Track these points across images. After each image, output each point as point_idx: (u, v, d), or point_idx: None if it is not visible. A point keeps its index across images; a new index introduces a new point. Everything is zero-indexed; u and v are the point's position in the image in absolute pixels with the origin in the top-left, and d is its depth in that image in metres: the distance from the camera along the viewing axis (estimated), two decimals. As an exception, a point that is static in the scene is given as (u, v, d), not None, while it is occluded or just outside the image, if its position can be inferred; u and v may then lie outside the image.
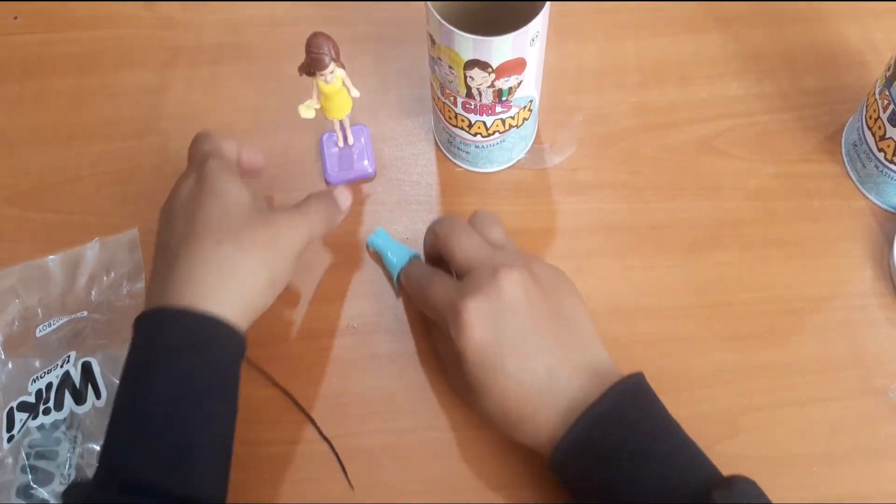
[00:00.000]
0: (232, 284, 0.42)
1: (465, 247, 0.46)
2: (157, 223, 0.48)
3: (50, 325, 0.53)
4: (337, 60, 0.49)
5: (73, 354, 0.50)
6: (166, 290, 0.42)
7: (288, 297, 0.55)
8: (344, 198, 0.51)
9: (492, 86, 0.49)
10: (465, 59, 0.48)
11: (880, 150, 0.54)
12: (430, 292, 0.46)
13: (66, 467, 0.48)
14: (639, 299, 0.54)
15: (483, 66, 0.48)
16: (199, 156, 0.48)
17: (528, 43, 0.47)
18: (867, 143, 0.55)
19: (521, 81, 0.50)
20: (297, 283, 0.55)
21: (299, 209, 0.48)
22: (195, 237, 0.43)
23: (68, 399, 0.49)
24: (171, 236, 0.45)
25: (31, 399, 0.49)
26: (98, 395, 0.50)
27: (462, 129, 0.54)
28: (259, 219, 0.45)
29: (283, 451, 0.50)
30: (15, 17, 0.66)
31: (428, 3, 0.47)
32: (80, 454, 0.48)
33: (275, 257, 0.45)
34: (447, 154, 0.59)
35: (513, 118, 0.53)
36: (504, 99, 0.51)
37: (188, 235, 0.44)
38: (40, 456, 0.48)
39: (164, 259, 0.45)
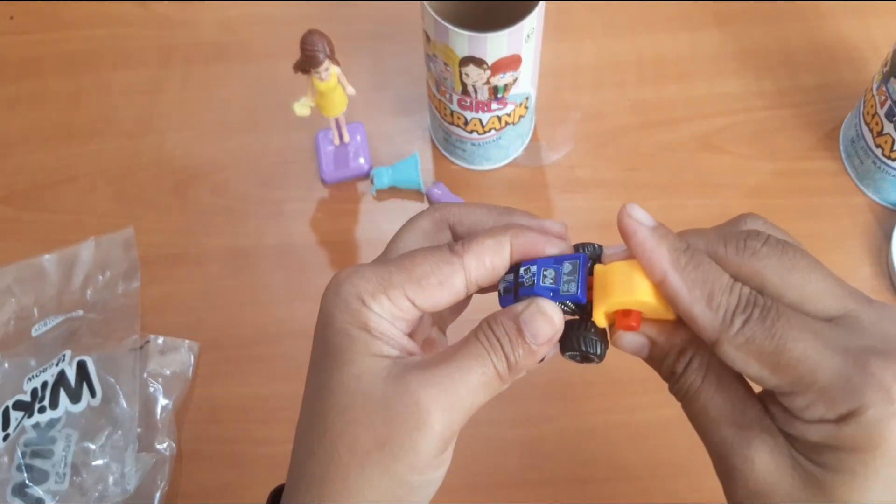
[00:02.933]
0: None
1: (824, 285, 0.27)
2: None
3: (45, 325, 0.53)
4: (332, 58, 0.49)
5: (68, 353, 0.50)
6: (289, 473, 0.31)
7: (283, 295, 0.55)
8: (534, 319, 0.28)
9: (487, 83, 0.49)
10: (461, 56, 0.47)
11: (878, 146, 0.54)
12: (792, 344, 0.25)
13: (62, 466, 0.47)
14: (636, 297, 0.53)
15: (478, 62, 0.48)
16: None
17: (523, 39, 0.47)
18: (865, 140, 0.55)
19: (516, 78, 0.50)
20: (293, 282, 0.55)
21: (441, 368, 0.28)
22: (304, 419, 0.31)
23: (63, 398, 0.49)
24: (304, 401, 0.31)
25: (27, 398, 0.49)
26: (93, 393, 0.49)
27: (458, 126, 0.54)
28: (371, 400, 0.28)
29: (283, 451, 0.50)
30: (11, 17, 0.66)
31: (423, 0, 0.47)
32: (75, 453, 0.48)
33: (393, 475, 0.28)
34: (444, 152, 0.59)
35: (509, 115, 0.53)
36: (500, 96, 0.51)
37: (304, 408, 0.31)
38: (35, 455, 0.48)
39: (299, 431, 0.31)
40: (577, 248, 0.31)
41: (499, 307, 0.29)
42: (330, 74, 0.50)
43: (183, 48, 0.64)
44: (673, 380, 0.29)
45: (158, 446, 0.49)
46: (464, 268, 0.29)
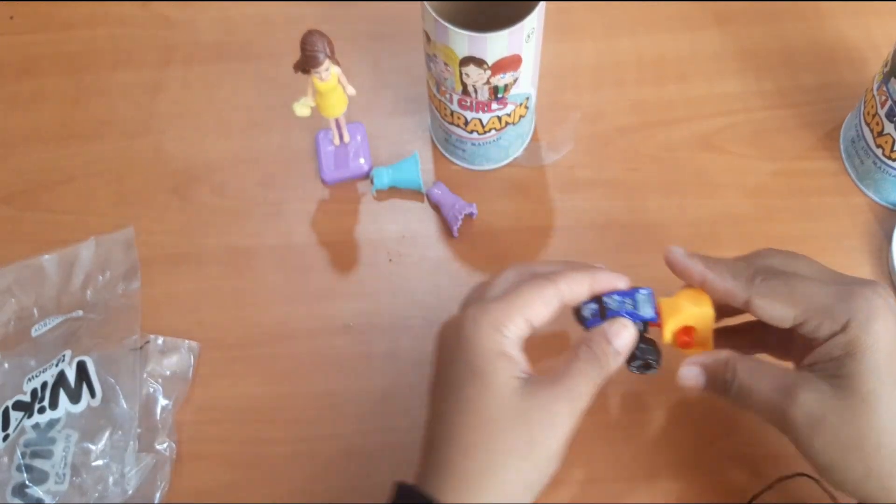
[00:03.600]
0: (487, 492, 0.37)
1: None
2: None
3: (45, 325, 0.53)
4: (332, 58, 0.49)
5: (68, 353, 0.50)
6: (430, 474, 0.38)
7: (283, 296, 0.55)
8: (620, 334, 0.40)
9: (487, 83, 0.49)
10: (461, 56, 0.47)
11: (878, 146, 0.54)
12: (800, 285, 0.39)
13: (61, 466, 0.47)
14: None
15: (479, 62, 0.48)
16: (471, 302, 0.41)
17: (523, 40, 0.47)
18: (865, 140, 0.55)
19: (516, 78, 0.50)
20: (293, 282, 0.55)
21: (561, 383, 0.38)
22: (447, 431, 0.38)
23: (63, 398, 0.49)
24: (435, 400, 0.40)
25: (27, 398, 0.49)
26: (93, 394, 0.49)
27: (458, 126, 0.54)
28: (514, 412, 0.37)
29: (283, 451, 0.50)
30: (11, 17, 0.66)
31: (424, 1, 0.47)
32: (75, 453, 0.48)
33: (533, 465, 0.37)
34: (444, 152, 0.59)
35: (509, 115, 0.53)
36: (500, 96, 0.51)
37: (442, 420, 0.38)
38: (35, 455, 0.48)
39: (430, 424, 0.39)
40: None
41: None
42: (330, 74, 0.50)
43: (183, 48, 0.64)
44: (726, 387, 0.40)
45: (158, 447, 0.49)
46: (559, 290, 0.39)
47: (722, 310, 0.42)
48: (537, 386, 0.37)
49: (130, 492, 0.48)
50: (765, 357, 0.45)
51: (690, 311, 0.40)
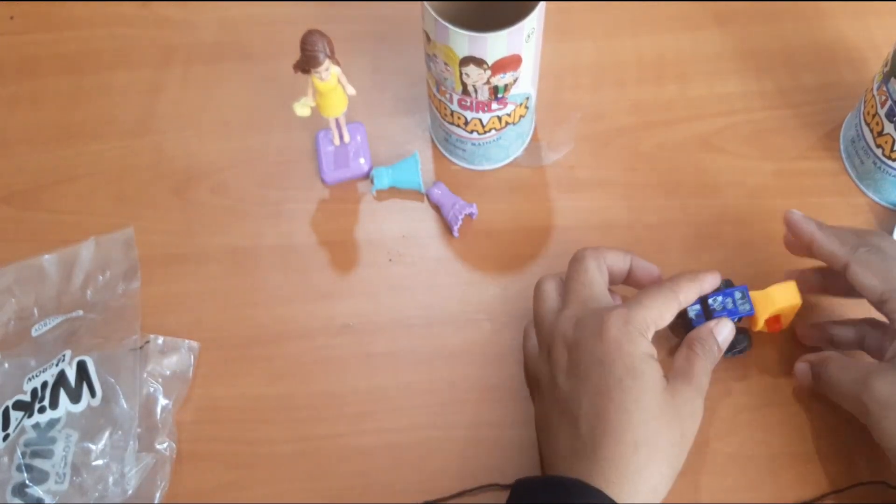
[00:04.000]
0: (643, 488, 0.40)
1: None
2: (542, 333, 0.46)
3: (45, 325, 0.53)
4: (332, 58, 0.49)
5: (68, 353, 0.50)
6: (594, 469, 0.40)
7: (283, 296, 0.55)
8: (723, 331, 0.46)
9: (487, 83, 0.49)
10: (461, 56, 0.47)
11: (878, 146, 0.54)
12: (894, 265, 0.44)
13: (62, 466, 0.47)
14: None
15: (478, 62, 0.48)
16: (585, 290, 0.45)
17: (523, 39, 0.47)
18: (865, 140, 0.55)
19: (516, 78, 0.50)
20: (294, 282, 0.55)
21: (693, 380, 0.43)
22: (611, 428, 0.40)
23: (63, 398, 0.49)
24: (580, 395, 0.41)
25: (27, 398, 0.49)
26: (93, 393, 0.49)
27: (458, 126, 0.54)
28: (668, 409, 0.41)
29: (283, 450, 0.50)
30: (11, 17, 0.66)
31: (424, 1, 0.47)
32: (75, 453, 0.48)
33: (680, 455, 0.41)
34: (444, 152, 0.59)
35: (509, 115, 0.53)
36: (500, 96, 0.51)
37: (603, 418, 0.40)
38: (35, 455, 0.48)
39: (571, 414, 0.42)
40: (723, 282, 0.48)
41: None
42: (330, 74, 0.50)
43: (183, 48, 0.64)
44: (819, 377, 0.47)
45: (158, 446, 0.49)
46: (679, 299, 0.45)
47: (815, 288, 0.49)
48: (677, 384, 0.43)
49: (130, 491, 0.48)
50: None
51: (781, 305, 0.47)
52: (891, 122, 0.52)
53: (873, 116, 0.53)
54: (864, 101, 0.55)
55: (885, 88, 0.52)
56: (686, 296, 0.45)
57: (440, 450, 0.50)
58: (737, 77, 0.62)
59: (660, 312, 0.44)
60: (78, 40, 0.65)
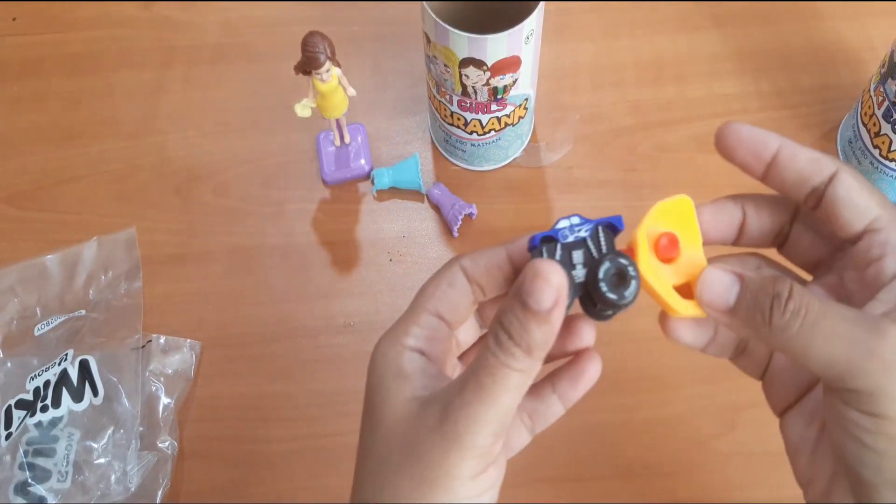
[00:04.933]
0: None
1: None
2: None
3: (48, 324, 0.53)
4: (333, 59, 0.50)
5: (70, 352, 0.51)
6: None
7: (285, 295, 0.55)
8: (543, 291, 0.26)
9: (487, 84, 0.50)
10: (461, 58, 0.48)
11: (875, 146, 0.54)
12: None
13: (64, 464, 0.48)
14: (635, 296, 0.54)
15: (478, 64, 0.48)
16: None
17: (522, 41, 0.48)
18: (862, 140, 0.55)
19: (516, 79, 0.50)
20: (295, 281, 0.55)
21: (463, 395, 0.27)
22: (359, 470, 0.30)
23: (66, 397, 0.49)
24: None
25: (29, 397, 0.49)
26: (95, 392, 0.50)
27: (458, 127, 0.55)
28: (406, 450, 0.28)
29: (284, 450, 0.50)
30: (14, 18, 0.66)
31: (424, 2, 0.47)
32: (78, 451, 0.48)
33: (450, 496, 0.27)
34: (444, 152, 0.59)
35: (508, 116, 0.54)
36: (499, 97, 0.51)
37: (358, 461, 0.31)
38: (38, 453, 0.48)
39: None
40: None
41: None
42: (331, 76, 0.51)
43: (185, 49, 0.64)
44: (765, 320, 0.27)
45: (160, 445, 0.49)
46: (461, 266, 0.30)
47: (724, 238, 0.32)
48: (434, 404, 0.28)
49: (133, 490, 0.48)
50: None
51: (670, 223, 0.29)
52: (888, 122, 0.52)
53: (870, 117, 0.54)
54: (862, 102, 0.55)
55: (882, 89, 0.52)
56: (473, 261, 0.30)
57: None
58: (735, 78, 0.62)
59: (426, 296, 0.30)
60: (81, 41, 0.65)
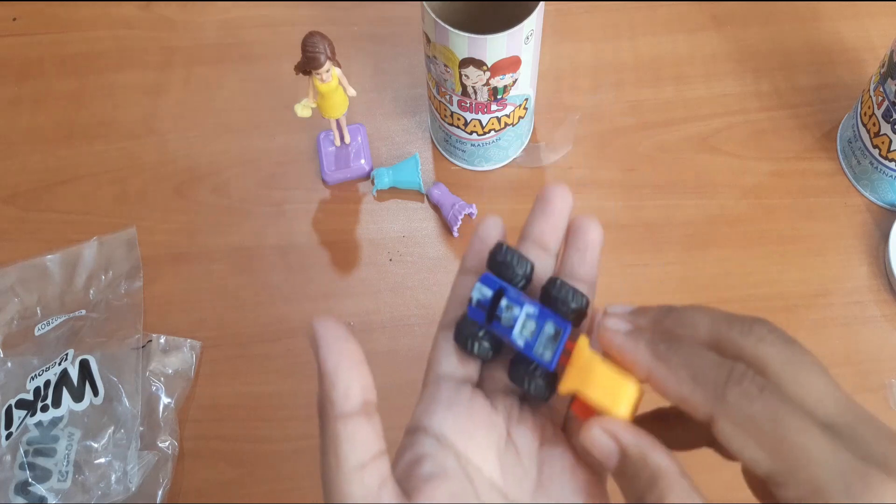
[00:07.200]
0: None
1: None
2: None
3: (48, 324, 0.53)
4: (333, 59, 0.50)
5: (71, 352, 0.51)
6: None
7: (285, 295, 0.55)
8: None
9: (487, 84, 0.50)
10: (461, 58, 0.48)
11: (875, 146, 0.54)
12: (795, 432, 0.24)
13: (64, 464, 0.48)
14: (635, 297, 0.54)
15: (478, 64, 0.48)
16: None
17: (522, 41, 0.48)
18: (862, 140, 0.55)
19: (516, 80, 0.50)
20: (295, 281, 0.55)
21: None
22: None
23: (66, 396, 0.49)
24: None
25: (30, 396, 0.50)
26: (96, 392, 0.50)
27: (458, 127, 0.55)
28: None
29: (285, 449, 0.50)
30: (14, 19, 0.67)
31: (423, 2, 0.47)
32: (78, 451, 0.48)
33: None
34: (443, 152, 0.59)
35: (508, 116, 0.54)
36: (499, 97, 0.51)
37: None
38: (38, 453, 0.48)
39: None
40: (552, 284, 0.29)
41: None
42: (331, 76, 0.51)
43: (185, 50, 0.64)
44: (635, 483, 0.27)
45: (161, 445, 0.49)
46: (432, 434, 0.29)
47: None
48: None
49: (133, 489, 0.48)
50: None
51: (597, 400, 0.27)
52: (887, 122, 0.52)
53: (870, 117, 0.54)
54: (861, 102, 0.55)
55: (881, 89, 0.52)
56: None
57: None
58: (734, 78, 0.62)
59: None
60: (81, 42, 0.65)
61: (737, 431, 0.25)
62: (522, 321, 0.28)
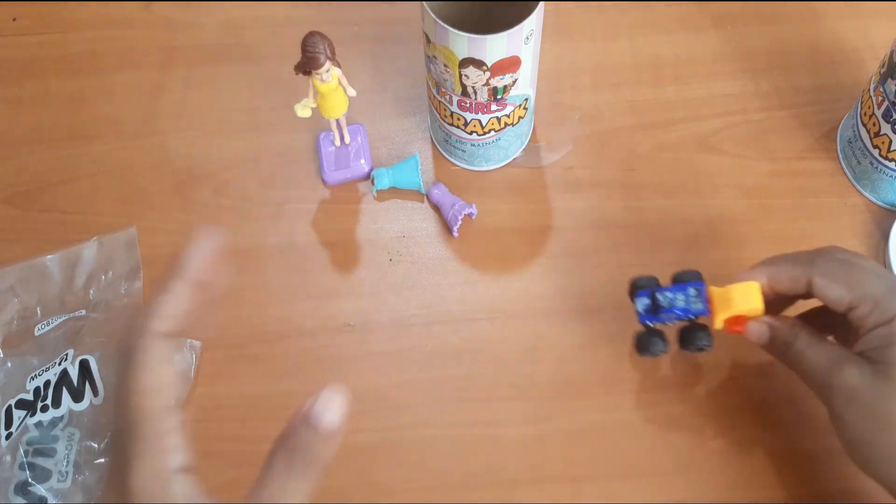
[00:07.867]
0: None
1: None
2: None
3: (48, 324, 0.53)
4: (333, 59, 0.50)
5: (70, 352, 0.51)
6: None
7: (285, 295, 0.55)
8: (331, 409, 0.31)
9: (487, 84, 0.50)
10: (460, 58, 0.48)
11: (875, 146, 0.54)
12: (858, 272, 0.42)
13: (64, 464, 0.48)
14: (635, 296, 0.54)
15: (478, 64, 0.48)
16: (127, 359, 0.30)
17: (522, 41, 0.48)
18: (862, 140, 0.55)
19: (515, 80, 0.50)
20: (295, 281, 0.55)
21: None
22: None
23: (66, 397, 0.49)
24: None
25: (30, 397, 0.50)
26: (95, 392, 0.50)
27: (458, 127, 0.55)
28: None
29: (281, 449, 0.50)
30: (14, 19, 0.67)
31: (423, 2, 0.47)
32: (78, 451, 0.48)
33: None
34: (443, 153, 0.59)
35: (508, 116, 0.54)
36: (499, 97, 0.51)
37: None
38: (38, 453, 0.48)
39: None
40: (681, 274, 0.46)
41: None
42: (331, 76, 0.51)
43: (185, 50, 0.64)
44: (785, 349, 0.43)
45: (160, 444, 0.49)
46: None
47: (778, 302, 0.45)
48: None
49: (133, 489, 0.48)
50: None
51: (739, 306, 0.43)
52: (887, 122, 0.52)
53: (870, 117, 0.54)
54: (861, 102, 0.55)
55: (881, 89, 0.52)
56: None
57: (440, 449, 0.50)
58: (734, 78, 0.62)
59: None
60: (81, 41, 0.65)
61: (825, 280, 0.42)
62: (674, 297, 0.44)
